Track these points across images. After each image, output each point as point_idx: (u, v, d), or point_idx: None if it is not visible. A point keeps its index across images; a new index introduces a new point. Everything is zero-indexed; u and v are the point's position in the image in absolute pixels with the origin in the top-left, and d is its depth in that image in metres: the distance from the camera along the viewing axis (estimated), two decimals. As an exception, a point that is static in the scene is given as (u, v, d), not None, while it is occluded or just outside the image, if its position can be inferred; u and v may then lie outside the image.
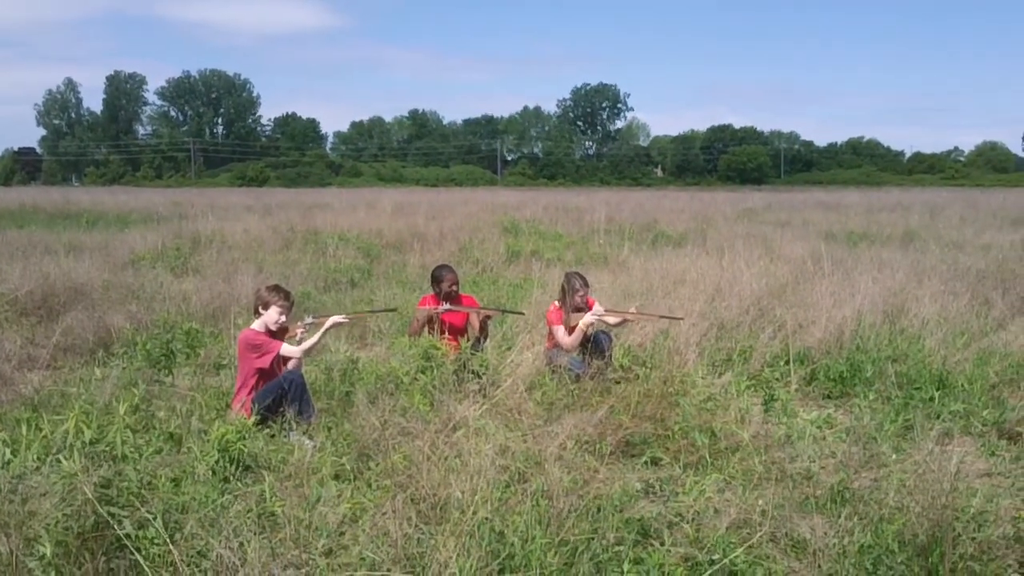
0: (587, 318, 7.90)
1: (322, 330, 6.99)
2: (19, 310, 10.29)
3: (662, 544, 4.37)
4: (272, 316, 6.83)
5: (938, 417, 6.72)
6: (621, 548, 4.31)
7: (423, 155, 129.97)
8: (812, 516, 4.72)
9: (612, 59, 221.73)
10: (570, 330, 8.01)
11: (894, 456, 5.66)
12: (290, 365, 6.88)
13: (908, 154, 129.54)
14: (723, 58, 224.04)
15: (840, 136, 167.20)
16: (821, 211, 32.32)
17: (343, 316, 7.27)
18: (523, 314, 9.34)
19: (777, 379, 7.83)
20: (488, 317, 8.60)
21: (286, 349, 6.77)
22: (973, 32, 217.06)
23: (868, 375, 7.87)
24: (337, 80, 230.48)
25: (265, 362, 6.68)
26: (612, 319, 8.10)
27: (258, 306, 6.90)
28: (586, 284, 8.22)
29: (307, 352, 6.95)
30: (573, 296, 8.06)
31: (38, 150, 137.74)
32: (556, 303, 8.24)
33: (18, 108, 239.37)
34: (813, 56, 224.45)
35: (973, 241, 19.41)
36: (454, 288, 8.38)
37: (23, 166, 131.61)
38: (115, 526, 4.04)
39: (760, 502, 4.84)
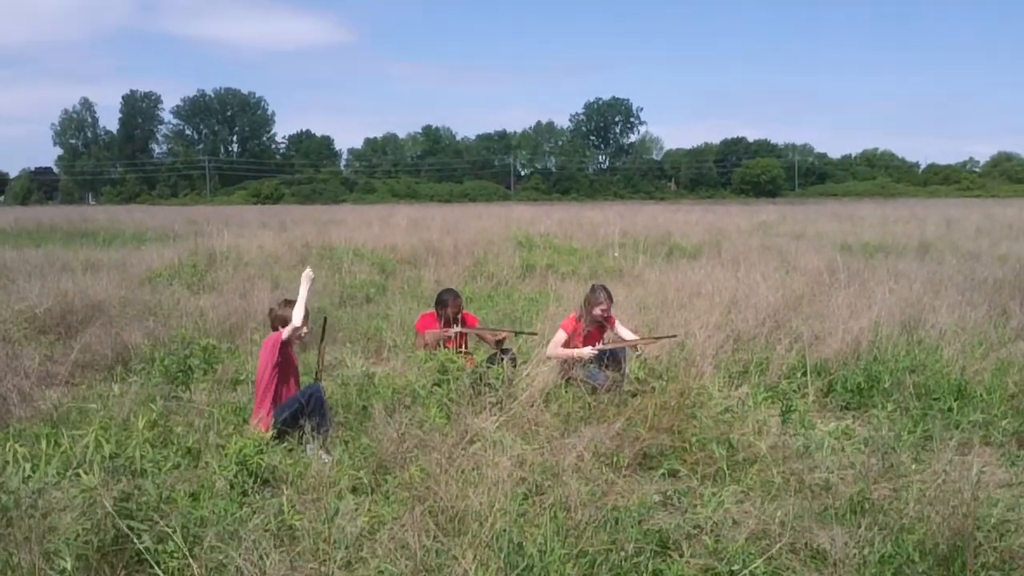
0: (584, 352, 7.86)
1: (304, 290, 6.91)
2: (38, 327, 10.35)
3: (681, 555, 4.36)
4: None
5: (957, 427, 6.68)
6: (640, 559, 4.30)
7: (436, 171, 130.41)
8: (832, 526, 4.68)
9: (625, 72, 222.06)
10: (578, 341, 8.05)
11: (914, 466, 5.62)
12: (284, 334, 6.75)
13: (923, 165, 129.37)
14: (736, 71, 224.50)
15: (854, 148, 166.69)
16: (836, 223, 32.21)
17: (307, 274, 7.09)
18: (535, 334, 9.29)
19: (794, 391, 7.78)
20: (501, 340, 8.62)
21: (292, 322, 6.75)
22: (988, 41, 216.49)
23: (886, 386, 7.82)
24: (350, 96, 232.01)
25: (276, 355, 6.68)
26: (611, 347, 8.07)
27: (277, 325, 6.90)
28: (610, 298, 8.20)
29: (303, 320, 6.81)
30: (593, 307, 8.06)
31: (55, 169, 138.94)
32: (576, 313, 8.24)
33: (34, 127, 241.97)
34: (826, 68, 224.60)
35: (990, 252, 19.29)
36: (459, 313, 8.48)
37: (40, 185, 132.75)
38: (135, 540, 4.06)
39: (779, 513, 4.82)
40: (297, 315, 6.78)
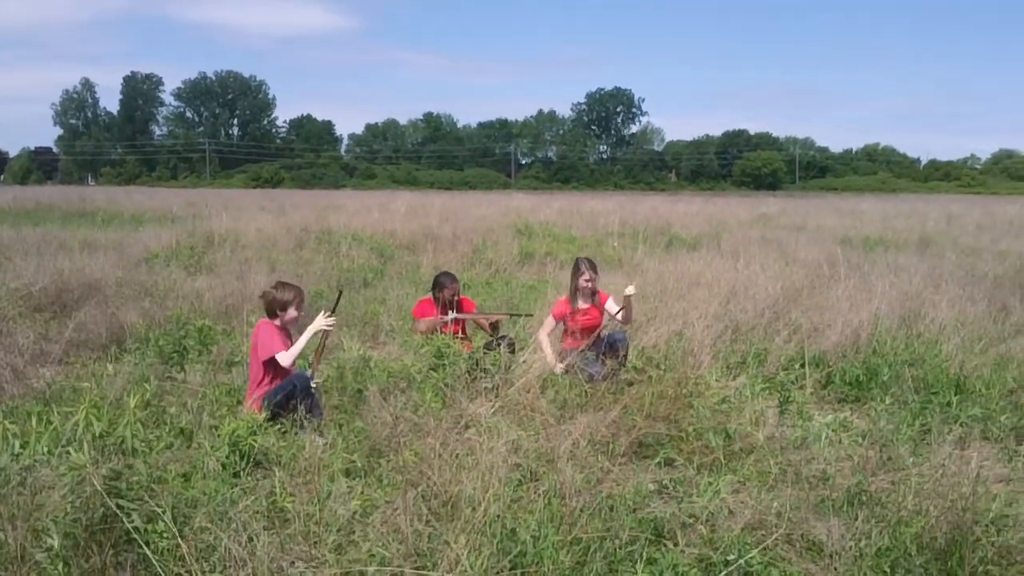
0: (554, 367, 7.61)
1: (305, 335, 6.66)
2: (33, 305, 10.29)
3: (676, 544, 4.32)
4: (292, 315, 6.77)
5: (956, 421, 6.64)
6: (634, 548, 4.26)
7: (437, 158, 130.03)
8: (828, 518, 4.64)
9: (627, 63, 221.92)
10: (573, 323, 8.03)
11: (912, 460, 5.56)
12: (279, 357, 6.56)
13: (924, 161, 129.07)
14: (739, 64, 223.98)
15: (856, 142, 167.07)
16: (836, 217, 32.15)
17: (325, 318, 6.70)
18: (531, 315, 9.27)
19: (792, 382, 7.74)
20: (497, 322, 8.58)
21: (280, 356, 6.52)
22: (991, 38, 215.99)
23: (884, 379, 7.78)
24: (352, 83, 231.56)
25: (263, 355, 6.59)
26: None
27: (275, 309, 6.78)
28: (594, 269, 8.15)
29: (296, 358, 6.64)
30: (578, 279, 8.04)
31: (55, 149, 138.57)
32: (566, 296, 8.22)
33: (35, 108, 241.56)
34: (829, 61, 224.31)
35: (990, 248, 19.26)
36: (455, 297, 8.40)
37: (40, 165, 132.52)
38: (124, 519, 4.01)
39: (775, 503, 4.78)
40: (288, 357, 6.55)
